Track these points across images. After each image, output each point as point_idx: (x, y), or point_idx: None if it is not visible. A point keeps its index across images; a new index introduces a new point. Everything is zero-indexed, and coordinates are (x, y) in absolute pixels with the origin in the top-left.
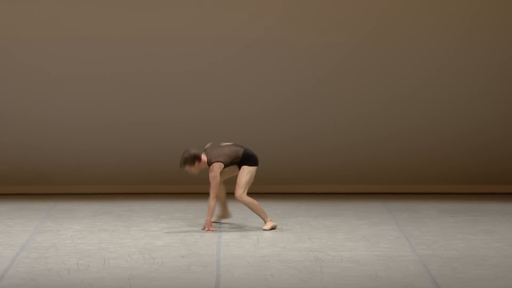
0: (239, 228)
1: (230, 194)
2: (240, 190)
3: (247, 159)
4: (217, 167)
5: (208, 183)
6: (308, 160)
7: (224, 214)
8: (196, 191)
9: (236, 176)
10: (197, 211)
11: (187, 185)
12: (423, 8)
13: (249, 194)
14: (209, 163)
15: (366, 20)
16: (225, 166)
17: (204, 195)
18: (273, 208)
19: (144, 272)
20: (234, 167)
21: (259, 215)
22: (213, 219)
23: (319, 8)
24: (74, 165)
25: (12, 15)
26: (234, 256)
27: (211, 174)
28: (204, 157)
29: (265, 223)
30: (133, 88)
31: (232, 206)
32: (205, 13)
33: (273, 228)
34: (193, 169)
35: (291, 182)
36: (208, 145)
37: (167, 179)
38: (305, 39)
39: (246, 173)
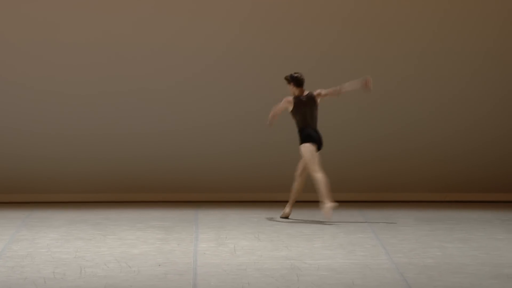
0: (216, 236)
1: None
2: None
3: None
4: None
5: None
6: (285, 168)
7: (289, 212)
8: (173, 199)
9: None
10: (173, 219)
11: (163, 193)
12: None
13: (225, 202)
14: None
15: (330, 28)
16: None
17: (181, 203)
18: (250, 216)
19: (120, 280)
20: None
21: (323, 193)
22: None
23: (289, 17)
24: (50, 173)
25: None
26: (210, 265)
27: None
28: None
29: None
30: (107, 97)
31: (210, 215)
32: (181, 23)
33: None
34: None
35: (268, 190)
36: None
37: (143, 187)
38: (271, 48)
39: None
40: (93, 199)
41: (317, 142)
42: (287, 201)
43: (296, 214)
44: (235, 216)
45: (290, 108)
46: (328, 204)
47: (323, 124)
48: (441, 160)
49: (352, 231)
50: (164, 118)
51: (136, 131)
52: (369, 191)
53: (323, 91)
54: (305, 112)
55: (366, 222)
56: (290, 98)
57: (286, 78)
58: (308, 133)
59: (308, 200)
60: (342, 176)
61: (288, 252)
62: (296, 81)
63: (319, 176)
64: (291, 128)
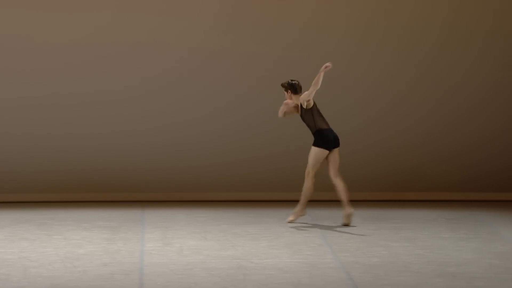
0: (163, 236)
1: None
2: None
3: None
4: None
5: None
6: (232, 168)
7: (303, 212)
8: (119, 199)
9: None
10: (120, 219)
11: (110, 193)
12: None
13: (171, 201)
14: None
15: (291, 28)
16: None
17: (128, 202)
18: (197, 216)
19: (65, 281)
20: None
21: (301, 200)
22: (292, 217)
23: (247, 16)
24: None
25: None
26: (157, 264)
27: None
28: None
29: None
30: (55, 98)
31: (157, 215)
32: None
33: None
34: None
35: (215, 189)
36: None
37: (89, 187)
38: (236, 47)
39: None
40: (38, 199)
41: (332, 144)
42: (233, 201)
43: (241, 213)
44: (182, 216)
45: (310, 106)
46: (300, 212)
47: (274, 124)
48: (388, 159)
49: (299, 230)
50: (111, 118)
51: (81, 131)
52: (315, 190)
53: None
54: (314, 113)
55: (312, 221)
56: (296, 104)
57: (283, 85)
58: (325, 134)
59: (253, 200)
60: (289, 176)
61: (234, 252)
62: (293, 88)
63: (309, 184)
64: (239, 128)
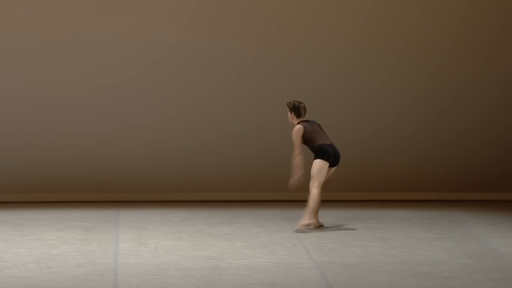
0: (137, 236)
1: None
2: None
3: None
4: (296, 129)
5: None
6: (205, 168)
7: (318, 222)
8: (94, 199)
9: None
10: (94, 219)
11: (84, 193)
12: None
13: (146, 202)
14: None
15: (269, 26)
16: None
17: (103, 203)
18: (171, 216)
19: (39, 281)
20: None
21: (308, 210)
22: (304, 227)
23: (227, 14)
24: None
25: None
26: (131, 265)
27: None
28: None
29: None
30: (25, 99)
31: (131, 215)
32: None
33: (307, 226)
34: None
35: (189, 190)
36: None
37: (64, 187)
38: (214, 44)
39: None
40: (12, 199)
41: (332, 158)
42: (208, 201)
43: (216, 213)
44: (157, 216)
45: (301, 134)
46: (305, 222)
47: (248, 124)
48: (361, 159)
49: (273, 230)
50: (84, 119)
51: (55, 131)
52: (289, 190)
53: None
54: (314, 131)
55: (287, 221)
56: (299, 126)
57: (288, 105)
58: (324, 148)
59: (228, 200)
60: (264, 176)
61: (209, 252)
62: (297, 112)
63: (316, 193)
64: (213, 128)
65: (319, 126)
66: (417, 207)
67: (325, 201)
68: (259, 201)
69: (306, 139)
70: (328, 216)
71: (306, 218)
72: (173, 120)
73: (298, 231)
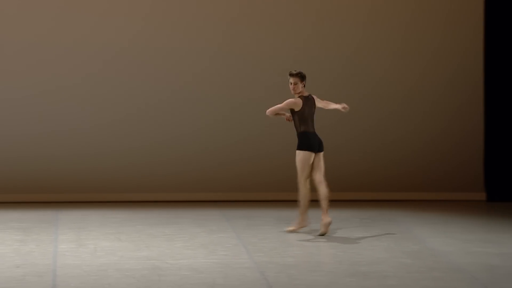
0: (76, 237)
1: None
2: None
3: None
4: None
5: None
6: (145, 168)
7: (304, 222)
8: (32, 200)
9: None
10: (33, 220)
11: (22, 194)
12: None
13: (85, 202)
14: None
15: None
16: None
17: (41, 203)
18: (111, 217)
19: None
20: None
21: (300, 210)
22: (293, 228)
23: (182, 14)
24: None
25: None
26: (71, 266)
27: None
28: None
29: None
30: None
31: (71, 216)
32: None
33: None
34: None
35: (129, 190)
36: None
37: (1, 188)
38: (169, 44)
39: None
40: None
41: (317, 148)
42: (147, 201)
43: (156, 214)
44: (96, 217)
45: (297, 109)
46: (302, 223)
47: (194, 125)
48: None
49: (213, 230)
50: (23, 120)
51: None
52: (229, 190)
53: (319, 99)
54: (309, 114)
55: (227, 221)
56: (298, 100)
57: (299, 76)
58: (308, 139)
59: (168, 200)
60: (204, 176)
61: (149, 253)
62: (305, 79)
63: (304, 191)
64: (152, 131)
65: (315, 105)
66: (356, 207)
67: (264, 201)
68: (199, 201)
69: (296, 118)
70: (268, 216)
71: (297, 222)
72: (111, 122)
73: (289, 231)
